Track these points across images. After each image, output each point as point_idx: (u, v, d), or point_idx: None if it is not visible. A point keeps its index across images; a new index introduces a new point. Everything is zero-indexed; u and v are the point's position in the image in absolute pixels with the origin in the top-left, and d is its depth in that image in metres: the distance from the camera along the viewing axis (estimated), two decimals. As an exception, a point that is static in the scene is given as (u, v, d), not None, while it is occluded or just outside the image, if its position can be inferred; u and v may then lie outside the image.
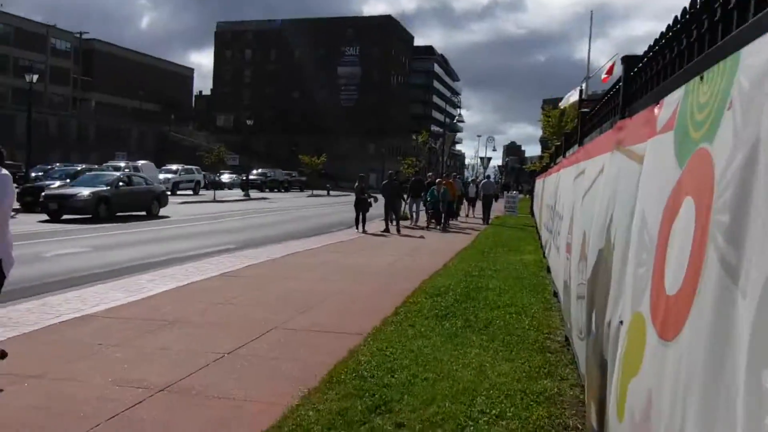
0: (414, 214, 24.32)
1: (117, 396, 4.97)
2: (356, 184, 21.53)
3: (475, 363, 5.95)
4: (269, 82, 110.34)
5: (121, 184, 24.30)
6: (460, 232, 22.08)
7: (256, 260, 13.10)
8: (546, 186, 15.69)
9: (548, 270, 12.05)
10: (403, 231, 21.02)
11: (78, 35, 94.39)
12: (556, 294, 9.03)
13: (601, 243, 3.76)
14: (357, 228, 20.72)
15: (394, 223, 21.20)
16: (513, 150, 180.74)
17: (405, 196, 23.77)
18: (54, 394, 4.98)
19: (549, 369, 5.87)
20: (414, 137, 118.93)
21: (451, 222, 25.18)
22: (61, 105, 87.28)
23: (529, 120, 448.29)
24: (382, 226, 21.20)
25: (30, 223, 20.06)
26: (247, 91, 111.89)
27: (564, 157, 10.34)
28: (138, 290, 9.28)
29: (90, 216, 21.92)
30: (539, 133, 64.83)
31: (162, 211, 25.87)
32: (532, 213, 34.57)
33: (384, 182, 22.59)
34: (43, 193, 23.07)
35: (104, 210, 22.61)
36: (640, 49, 4.02)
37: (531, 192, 37.65)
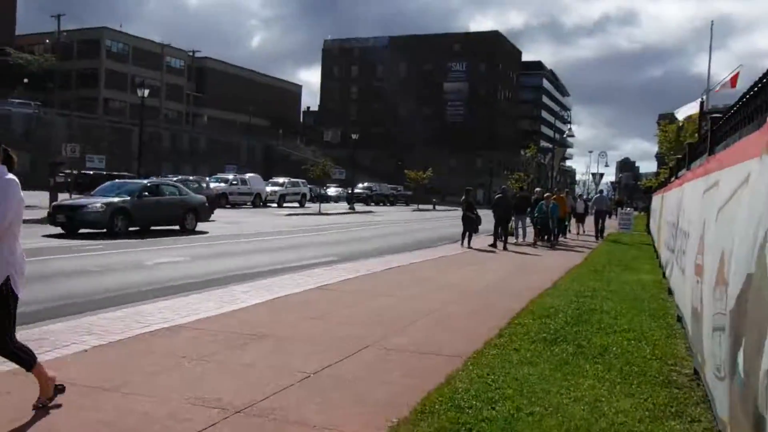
0: (520, 231, 23.37)
1: (190, 415, 4.59)
2: (462, 197, 20.93)
3: (589, 397, 5.23)
4: (376, 98, 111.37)
5: (146, 194, 21.17)
6: (570, 250, 21.00)
7: (354, 274, 12.72)
8: (666, 202, 14.58)
9: (670, 292, 11.05)
10: (511, 248, 20.17)
11: (191, 54, 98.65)
12: (680, 319, 8.13)
13: (750, 267, 3.03)
14: (462, 243, 20.02)
15: (503, 239, 20.44)
16: (626, 166, 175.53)
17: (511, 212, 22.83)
18: (123, 410, 4.66)
19: (677, 407, 5.08)
20: (522, 152, 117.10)
21: (560, 239, 24.15)
22: (175, 120, 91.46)
23: (644, 136, 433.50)
24: (489, 241, 20.49)
25: (34, 236, 17.01)
26: (353, 107, 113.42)
27: (688, 169, 9.41)
28: (231, 301, 9.04)
29: (105, 230, 19.00)
30: (655, 149, 62.21)
31: (202, 226, 22.93)
32: (648, 230, 32.85)
33: (497, 196, 21.81)
34: (52, 204, 21.11)
35: (122, 223, 19.56)
36: (763, 63, 3.33)
37: (647, 209, 35.83)
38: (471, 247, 19.57)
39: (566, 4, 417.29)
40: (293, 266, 13.98)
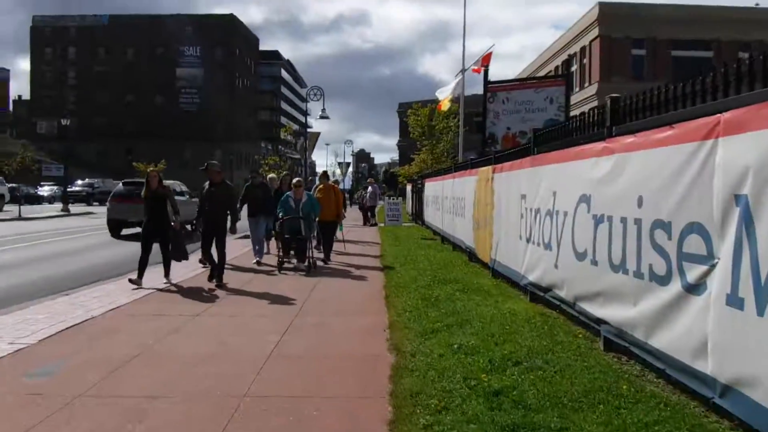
0: (258, 246, 14.39)
1: None
2: (143, 190, 11.08)
3: None
4: (98, 84, 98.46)
5: None
6: (337, 271, 12.99)
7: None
8: (517, 182, 9.35)
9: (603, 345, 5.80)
10: (232, 277, 11.51)
11: None
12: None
13: None
14: (167, 275, 11.16)
15: (205, 265, 12.27)
16: (363, 157, 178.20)
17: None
18: None
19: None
20: (263, 144, 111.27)
21: (321, 257, 14.62)
22: None
23: (376, 129, 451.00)
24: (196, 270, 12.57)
25: None
26: (72, 94, 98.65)
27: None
28: None
29: None
30: (387, 141, 60.27)
31: None
32: (417, 221, 28.87)
33: (203, 190, 11.67)
34: None
35: None
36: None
37: (415, 196, 31.62)
38: (172, 284, 10.94)
39: (304, 3, 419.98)
40: None
